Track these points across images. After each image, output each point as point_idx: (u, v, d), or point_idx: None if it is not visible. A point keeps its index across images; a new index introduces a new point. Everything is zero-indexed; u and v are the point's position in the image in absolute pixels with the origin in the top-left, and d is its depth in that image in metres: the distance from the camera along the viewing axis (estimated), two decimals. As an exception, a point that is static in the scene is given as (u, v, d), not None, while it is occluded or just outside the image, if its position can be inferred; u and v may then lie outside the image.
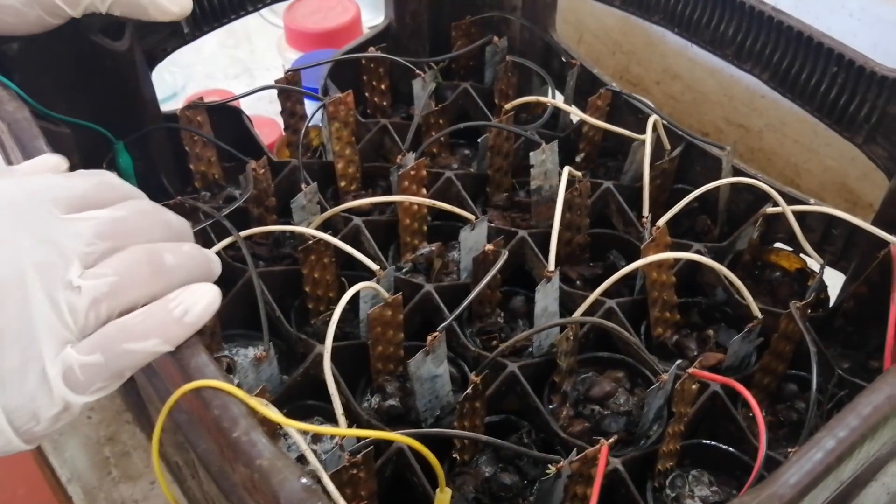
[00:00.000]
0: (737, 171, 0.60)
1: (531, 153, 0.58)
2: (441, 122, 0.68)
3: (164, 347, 0.34)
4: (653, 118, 0.62)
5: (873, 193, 0.81)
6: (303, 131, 0.63)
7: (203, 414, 0.34)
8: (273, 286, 0.54)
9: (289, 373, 0.52)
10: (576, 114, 0.66)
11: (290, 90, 0.65)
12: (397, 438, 0.37)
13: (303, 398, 0.51)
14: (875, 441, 0.35)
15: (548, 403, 0.52)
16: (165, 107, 0.62)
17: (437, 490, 0.40)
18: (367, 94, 0.70)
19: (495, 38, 0.71)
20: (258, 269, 0.54)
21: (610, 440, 0.42)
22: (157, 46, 0.60)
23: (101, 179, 0.37)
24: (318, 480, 0.36)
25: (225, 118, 0.64)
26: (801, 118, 0.62)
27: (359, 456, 0.42)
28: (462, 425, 0.47)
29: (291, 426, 0.34)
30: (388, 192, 0.65)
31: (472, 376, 0.46)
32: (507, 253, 0.53)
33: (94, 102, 0.56)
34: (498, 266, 0.51)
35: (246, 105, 0.68)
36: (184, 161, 0.62)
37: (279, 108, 0.66)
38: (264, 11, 0.90)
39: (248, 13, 0.66)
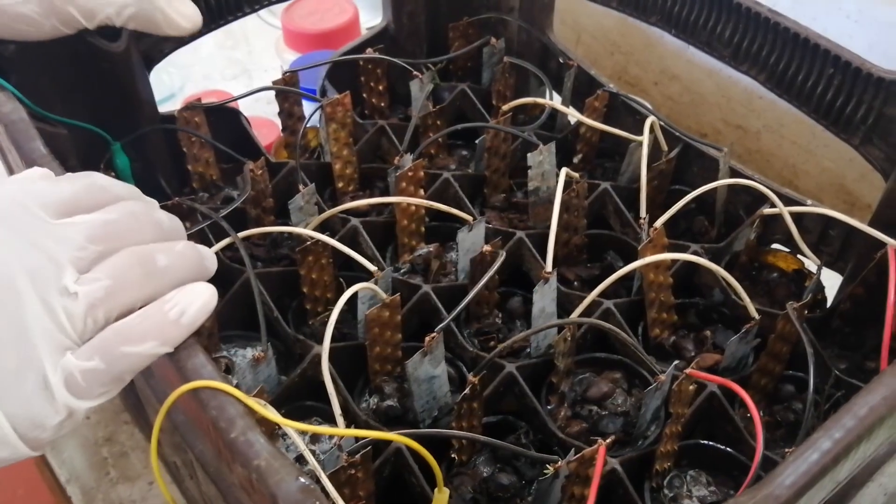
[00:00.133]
0: (734, 173, 0.61)
1: (529, 154, 0.58)
2: (439, 123, 0.68)
3: (163, 349, 0.34)
4: (650, 119, 0.62)
5: (871, 195, 0.81)
6: (301, 132, 0.63)
7: (200, 414, 0.34)
8: (271, 287, 0.54)
9: (287, 374, 0.52)
10: (573, 115, 0.66)
11: (287, 91, 0.65)
12: (396, 438, 0.37)
13: (301, 399, 0.51)
14: (871, 442, 0.35)
15: (545, 404, 0.52)
16: (163, 108, 0.62)
17: (436, 490, 0.40)
18: (364, 95, 0.70)
19: (493, 40, 0.71)
20: (256, 270, 0.54)
21: (607, 440, 0.42)
22: (154, 47, 0.60)
23: (90, 181, 0.37)
24: (317, 480, 0.36)
25: (223, 119, 0.64)
26: (799, 119, 0.62)
27: (357, 456, 0.42)
28: (460, 426, 0.47)
29: (289, 426, 0.34)
30: (386, 193, 0.65)
31: (470, 377, 0.46)
32: (504, 254, 0.53)
33: (92, 103, 0.56)
34: (495, 267, 0.51)
35: (244, 106, 0.68)
36: (181, 162, 0.62)
37: (277, 109, 0.66)
38: (262, 12, 0.90)
39: (245, 14, 0.66)
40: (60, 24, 0.49)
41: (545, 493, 0.43)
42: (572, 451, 0.43)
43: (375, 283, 0.50)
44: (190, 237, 0.40)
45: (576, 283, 0.60)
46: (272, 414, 0.34)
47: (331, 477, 0.37)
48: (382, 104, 0.70)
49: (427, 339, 0.47)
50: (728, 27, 0.61)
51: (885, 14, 0.74)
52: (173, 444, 0.51)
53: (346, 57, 0.68)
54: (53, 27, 0.48)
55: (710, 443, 0.50)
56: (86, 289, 0.33)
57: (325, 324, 0.46)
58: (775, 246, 0.61)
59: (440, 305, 0.54)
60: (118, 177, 0.58)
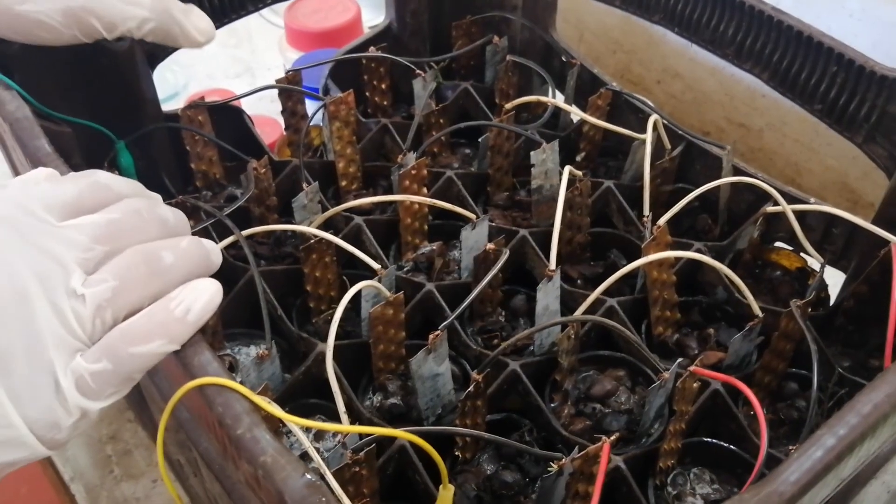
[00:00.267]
0: (737, 171, 0.61)
1: (532, 152, 0.58)
2: (442, 121, 0.68)
3: (170, 347, 0.34)
4: (653, 117, 0.62)
5: (874, 193, 0.81)
6: (304, 131, 0.63)
7: (206, 411, 0.34)
8: (275, 285, 0.54)
9: (290, 372, 0.52)
10: (576, 113, 0.67)
11: (290, 90, 0.65)
12: (400, 435, 0.37)
13: (304, 397, 0.51)
14: (875, 439, 0.35)
15: (549, 402, 0.52)
16: (167, 106, 0.62)
17: (440, 487, 0.40)
18: (367, 94, 0.70)
19: (496, 38, 0.71)
20: (260, 269, 0.54)
21: (611, 438, 0.42)
22: (158, 47, 0.60)
23: (93, 181, 0.37)
24: (322, 477, 0.36)
25: (226, 118, 0.65)
26: (802, 118, 0.62)
27: (361, 453, 0.42)
28: (464, 423, 0.47)
29: (294, 422, 0.34)
30: (389, 191, 0.65)
31: (474, 375, 0.46)
32: (508, 252, 0.53)
33: (95, 102, 0.56)
34: (499, 265, 0.51)
35: (247, 104, 0.68)
36: (185, 160, 0.62)
37: (280, 108, 0.66)
38: (265, 11, 0.90)
39: (249, 13, 0.66)
40: (81, 34, 0.49)
41: (549, 491, 0.43)
42: (576, 448, 0.43)
43: (379, 281, 0.50)
44: (194, 235, 0.40)
45: (579, 281, 0.60)
46: (277, 410, 0.34)
47: (335, 474, 0.37)
48: (385, 103, 0.70)
49: (431, 336, 0.47)
50: (731, 25, 0.61)
51: (889, 13, 0.74)
52: (178, 441, 0.51)
53: (349, 55, 0.68)
54: (73, 36, 0.49)
55: (714, 440, 0.50)
56: (93, 290, 0.33)
57: (328, 322, 0.46)
58: (778, 244, 0.61)
59: (444, 303, 0.54)
60: (122, 175, 0.58)
